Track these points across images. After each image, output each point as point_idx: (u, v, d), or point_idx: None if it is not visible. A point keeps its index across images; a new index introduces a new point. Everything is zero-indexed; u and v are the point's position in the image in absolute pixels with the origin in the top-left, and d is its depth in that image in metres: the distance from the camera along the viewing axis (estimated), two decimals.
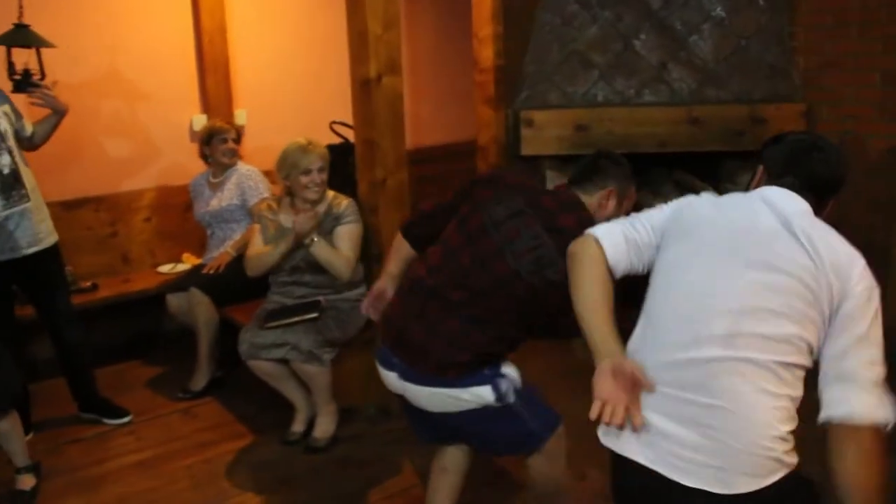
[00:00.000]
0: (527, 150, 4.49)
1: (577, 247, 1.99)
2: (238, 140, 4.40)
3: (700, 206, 1.92)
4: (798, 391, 1.71)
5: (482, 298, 2.28)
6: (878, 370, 1.67)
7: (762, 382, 1.67)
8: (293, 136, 3.54)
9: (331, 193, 3.57)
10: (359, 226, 3.53)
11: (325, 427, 3.51)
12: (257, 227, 3.65)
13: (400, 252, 2.69)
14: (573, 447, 3.41)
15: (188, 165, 4.70)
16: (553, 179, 4.66)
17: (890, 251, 3.99)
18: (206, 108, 4.91)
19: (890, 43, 3.92)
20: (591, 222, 2.23)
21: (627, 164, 2.58)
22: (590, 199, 2.50)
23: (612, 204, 2.53)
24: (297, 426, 3.57)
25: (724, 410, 1.67)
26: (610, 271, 1.93)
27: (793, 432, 1.71)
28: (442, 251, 2.40)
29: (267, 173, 4.22)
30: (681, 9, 4.51)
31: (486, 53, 4.50)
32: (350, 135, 3.92)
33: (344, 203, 3.53)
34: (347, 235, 3.49)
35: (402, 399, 2.47)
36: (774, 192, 1.86)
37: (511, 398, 2.31)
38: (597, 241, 1.95)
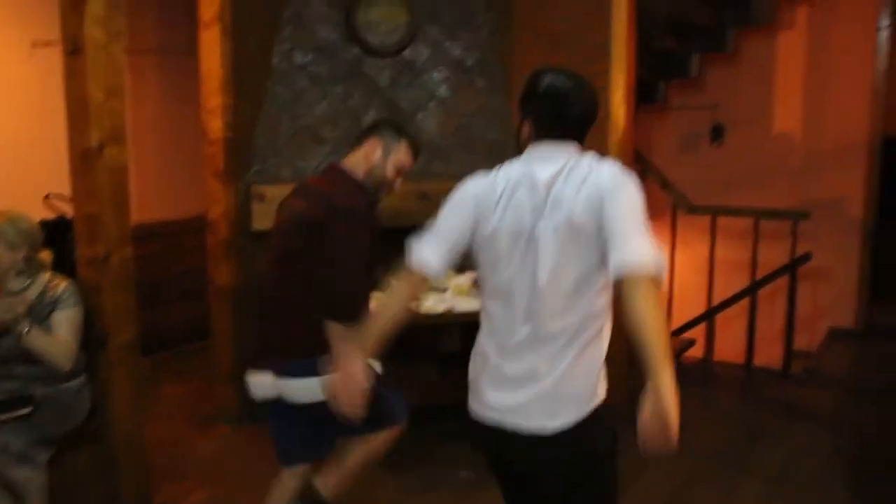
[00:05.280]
0: (258, 225, 4.40)
1: None
2: None
3: None
4: None
5: None
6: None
7: None
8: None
9: (47, 275, 3.24)
10: (79, 310, 3.22)
11: None
12: None
13: None
14: None
15: None
16: None
17: None
18: None
19: None
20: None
21: (409, 131, 2.80)
22: (355, 156, 2.71)
23: (377, 154, 2.70)
24: None
25: None
26: None
27: None
28: None
29: None
30: (407, 88, 4.69)
31: (215, 125, 4.38)
32: (69, 209, 3.64)
33: (62, 286, 3.21)
34: (66, 322, 3.15)
35: None
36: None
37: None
38: None
